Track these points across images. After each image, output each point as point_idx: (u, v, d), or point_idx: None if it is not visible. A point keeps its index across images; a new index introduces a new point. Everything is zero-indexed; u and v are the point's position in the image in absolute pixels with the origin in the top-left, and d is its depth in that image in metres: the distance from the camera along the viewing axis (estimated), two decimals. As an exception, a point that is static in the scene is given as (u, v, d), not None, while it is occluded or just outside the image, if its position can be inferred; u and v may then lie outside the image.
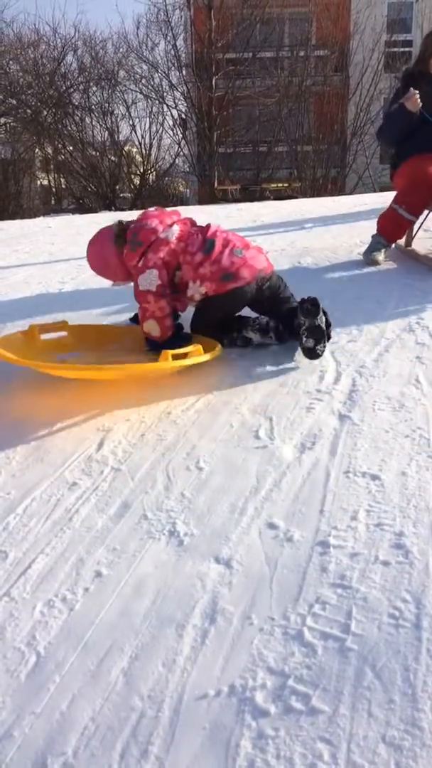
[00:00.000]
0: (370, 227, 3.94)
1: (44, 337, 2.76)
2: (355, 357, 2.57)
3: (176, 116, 19.81)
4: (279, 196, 13.77)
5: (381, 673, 1.23)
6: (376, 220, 3.81)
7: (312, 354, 2.50)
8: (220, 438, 2.07)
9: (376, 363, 2.50)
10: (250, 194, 14.70)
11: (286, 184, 17.22)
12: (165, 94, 19.40)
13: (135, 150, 20.92)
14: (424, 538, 1.55)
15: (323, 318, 2.51)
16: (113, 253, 2.75)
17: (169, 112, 19.90)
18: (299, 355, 2.54)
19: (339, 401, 2.23)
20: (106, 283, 2.93)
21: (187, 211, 6.32)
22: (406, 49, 19.31)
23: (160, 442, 2.08)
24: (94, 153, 19.64)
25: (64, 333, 2.84)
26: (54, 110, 19.47)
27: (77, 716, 1.21)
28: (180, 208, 7.15)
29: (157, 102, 19.58)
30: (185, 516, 1.72)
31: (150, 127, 19.94)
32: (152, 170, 20.37)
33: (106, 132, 19.77)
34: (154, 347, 2.65)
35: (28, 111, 19.52)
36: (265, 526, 1.65)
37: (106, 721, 1.19)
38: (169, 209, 2.93)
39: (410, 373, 2.39)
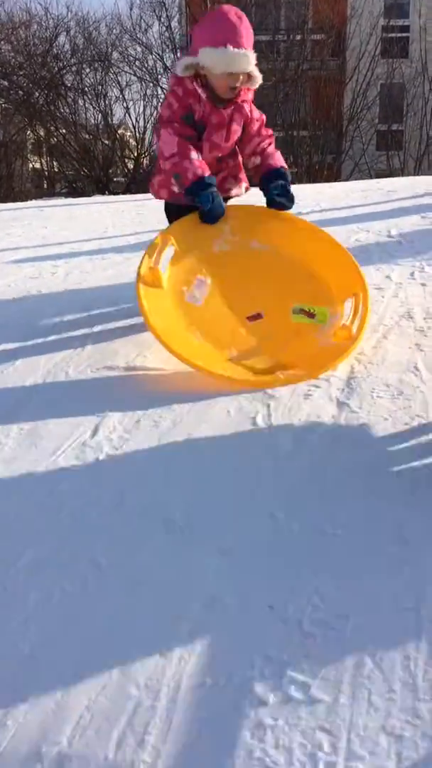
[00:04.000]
0: (367, 214, 3.90)
1: (163, 268, 2.45)
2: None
3: (171, 99, 19.59)
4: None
5: (381, 662, 1.21)
6: None
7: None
8: (217, 425, 2.05)
9: (374, 350, 2.48)
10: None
11: (281, 170, 17.07)
12: (159, 76, 19.17)
13: (129, 134, 20.71)
14: (423, 526, 1.54)
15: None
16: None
17: (163, 95, 19.69)
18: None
19: (337, 388, 2.21)
20: (99, 266, 2.89)
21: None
22: (404, 35, 19.17)
23: (156, 429, 2.05)
24: (87, 136, 19.41)
25: (171, 248, 2.52)
26: (46, 92, 19.21)
27: (72, 706, 1.19)
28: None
29: (151, 84, 19.37)
30: (183, 504, 1.69)
31: (144, 110, 19.73)
32: (146, 154, 20.18)
33: (100, 115, 19.54)
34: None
35: (20, 92, 19.26)
36: (264, 515, 1.63)
37: (102, 710, 1.18)
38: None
39: (409, 360, 2.37)
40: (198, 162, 2.50)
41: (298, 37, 18.30)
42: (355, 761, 1.05)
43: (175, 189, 2.60)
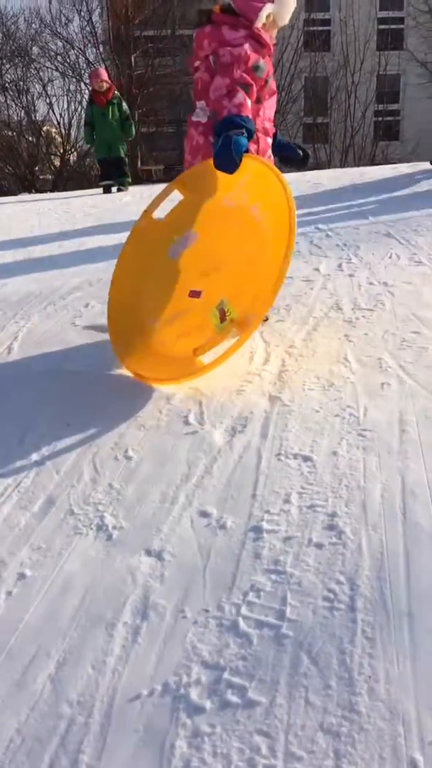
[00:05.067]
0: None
1: (157, 215, 2.52)
2: (284, 337, 2.55)
3: (95, 95, 19.28)
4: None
5: (317, 658, 1.20)
6: None
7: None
8: (149, 425, 2.00)
9: (304, 342, 2.48)
10: (175, 174, 14.51)
11: (210, 164, 17.07)
12: (83, 71, 18.84)
13: (54, 130, 20.27)
14: (357, 517, 1.54)
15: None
16: None
17: (87, 90, 19.35)
18: None
19: (269, 382, 2.20)
20: (24, 267, 2.79)
21: (109, 195, 6.13)
22: (325, 28, 19.47)
23: (86, 432, 1.99)
24: (10, 133, 18.90)
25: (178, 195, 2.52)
26: (-35, 88, 18.61)
27: (1, 729, 1.13)
28: (102, 191, 7.01)
29: (74, 80, 19.02)
30: (114, 508, 1.65)
31: (69, 106, 19.36)
32: (72, 150, 19.81)
33: (23, 111, 19.07)
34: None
35: None
36: (197, 515, 1.60)
37: (33, 731, 1.12)
38: None
39: (338, 352, 2.38)
40: (239, 101, 2.24)
41: (222, 31, 18.29)
42: (294, 762, 1.03)
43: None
